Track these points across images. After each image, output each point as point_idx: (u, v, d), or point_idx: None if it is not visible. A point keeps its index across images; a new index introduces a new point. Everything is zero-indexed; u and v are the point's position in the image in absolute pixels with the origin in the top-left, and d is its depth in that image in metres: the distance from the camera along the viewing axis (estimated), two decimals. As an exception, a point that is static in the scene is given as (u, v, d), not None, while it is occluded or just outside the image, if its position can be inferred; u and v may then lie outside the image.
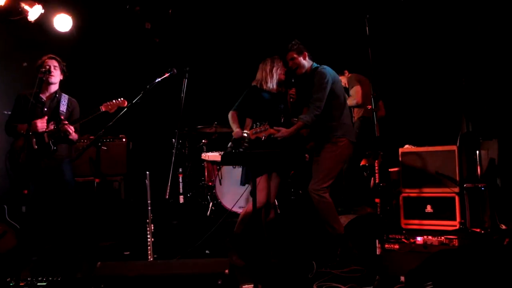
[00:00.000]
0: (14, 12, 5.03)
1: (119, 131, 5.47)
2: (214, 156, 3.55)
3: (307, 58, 4.11)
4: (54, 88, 4.33)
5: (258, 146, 3.93)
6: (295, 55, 4.08)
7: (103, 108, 4.11)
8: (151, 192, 4.07)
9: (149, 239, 3.55)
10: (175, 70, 3.91)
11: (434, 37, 6.08)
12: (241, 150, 3.86)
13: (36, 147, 4.12)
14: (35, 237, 4.27)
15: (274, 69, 4.15)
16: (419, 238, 4.33)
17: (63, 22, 5.32)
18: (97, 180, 3.79)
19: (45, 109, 4.24)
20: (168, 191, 3.47)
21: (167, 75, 3.83)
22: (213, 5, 6.40)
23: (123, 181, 5.48)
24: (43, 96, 4.28)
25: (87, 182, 5.15)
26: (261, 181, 3.99)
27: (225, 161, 3.18)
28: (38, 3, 5.06)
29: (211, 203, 5.62)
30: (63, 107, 4.25)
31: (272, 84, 4.14)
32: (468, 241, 4.35)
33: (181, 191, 3.43)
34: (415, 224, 5.30)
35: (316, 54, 4.14)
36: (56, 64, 4.26)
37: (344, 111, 4.02)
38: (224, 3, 6.38)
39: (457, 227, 5.09)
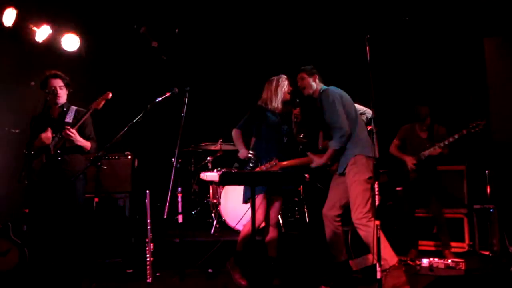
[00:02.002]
0: (23, 32, 5.13)
1: (125, 149, 5.51)
2: (213, 176, 3.55)
3: (316, 80, 4.09)
4: (61, 103, 4.31)
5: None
6: (305, 75, 4.09)
7: (92, 106, 4.03)
8: (155, 211, 4.09)
9: (148, 259, 3.54)
10: (176, 89, 3.93)
11: (438, 54, 6.05)
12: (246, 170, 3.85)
13: (44, 161, 4.09)
14: (39, 255, 4.29)
15: (279, 88, 4.15)
16: (425, 261, 4.24)
17: (70, 42, 5.41)
18: (96, 200, 3.79)
19: (54, 124, 4.20)
20: (166, 210, 3.47)
21: (168, 94, 3.85)
22: (219, 23, 6.46)
23: (128, 198, 5.49)
24: (52, 113, 4.27)
25: (91, 200, 5.17)
26: (257, 200, 3.95)
27: (223, 181, 3.15)
28: (46, 24, 5.16)
29: (215, 221, 5.60)
30: (68, 118, 4.21)
31: (276, 103, 4.13)
32: (475, 265, 4.24)
33: (180, 210, 3.42)
34: (421, 245, 5.21)
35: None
36: (61, 83, 4.24)
37: (357, 126, 3.95)
38: (231, 22, 6.43)
39: (465, 249, 4.99)
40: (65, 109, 4.28)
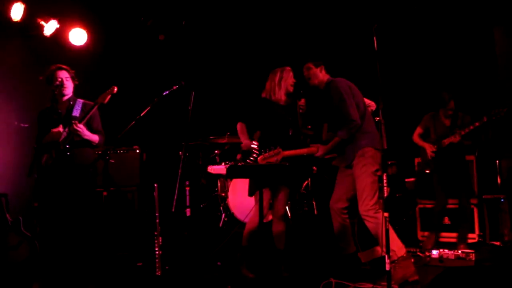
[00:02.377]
0: (30, 27, 5.15)
1: (133, 143, 5.53)
2: (220, 169, 3.55)
3: (323, 71, 4.06)
4: (68, 96, 4.30)
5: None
6: (311, 65, 4.05)
7: (98, 101, 4.01)
8: (163, 204, 4.10)
9: (157, 252, 3.56)
10: (183, 82, 3.92)
11: (448, 44, 5.96)
12: (249, 161, 3.83)
13: (54, 155, 4.09)
14: (50, 248, 4.33)
15: (283, 80, 4.10)
16: (434, 252, 4.21)
17: (78, 36, 5.43)
18: (105, 193, 3.80)
19: (62, 118, 4.19)
20: (174, 204, 3.48)
21: (175, 87, 3.84)
22: (226, 15, 6.43)
23: (137, 192, 5.52)
24: (59, 107, 4.24)
25: (100, 193, 5.20)
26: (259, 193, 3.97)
27: (230, 174, 3.15)
28: (54, 18, 5.17)
29: (223, 214, 5.61)
30: (76, 112, 4.19)
31: (280, 95, 4.10)
32: (486, 255, 4.20)
33: (188, 204, 3.43)
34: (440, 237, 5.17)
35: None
36: (67, 75, 4.22)
37: (365, 119, 3.93)
38: (237, 14, 6.40)
39: (476, 240, 4.94)
40: (71, 102, 4.27)
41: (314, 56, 4.09)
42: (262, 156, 3.75)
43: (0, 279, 4.26)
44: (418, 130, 5.23)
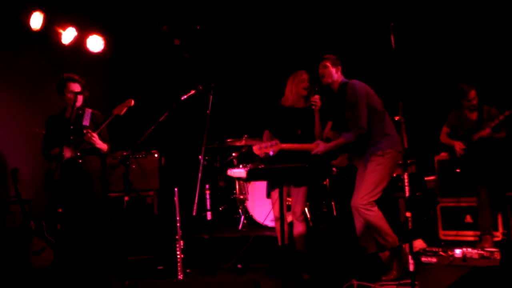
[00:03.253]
0: (49, 35, 5.23)
1: (151, 147, 5.57)
2: (240, 172, 3.54)
3: (339, 72, 4.05)
4: (78, 106, 4.40)
5: (284, 161, 3.90)
6: (328, 64, 4.04)
7: (114, 112, 4.13)
8: (182, 208, 4.12)
9: (178, 256, 3.58)
10: (200, 87, 3.94)
11: (468, 43, 5.86)
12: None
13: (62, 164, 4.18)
14: (71, 253, 4.40)
15: (294, 84, 4.13)
16: (458, 251, 4.16)
17: (95, 43, 5.50)
18: (126, 198, 3.85)
19: (71, 127, 4.30)
20: (195, 208, 3.50)
21: (192, 92, 3.87)
22: (242, 18, 6.45)
23: (156, 196, 5.56)
24: (69, 115, 4.34)
25: (120, 198, 5.26)
26: (273, 195, 4.01)
27: (250, 177, 3.16)
28: (72, 26, 5.25)
29: (242, 217, 5.62)
30: (86, 121, 4.34)
31: (292, 100, 4.12)
32: (511, 254, 4.12)
33: (208, 207, 3.44)
34: (454, 235, 5.11)
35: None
36: (78, 88, 4.32)
37: (385, 122, 3.92)
38: (254, 16, 6.41)
39: (500, 238, 4.86)
40: (80, 112, 4.42)
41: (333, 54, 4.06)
42: (258, 145, 3.74)
43: (25, 285, 4.33)
44: (445, 129, 5.09)
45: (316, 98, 4.01)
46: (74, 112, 4.34)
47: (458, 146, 4.90)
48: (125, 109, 4.09)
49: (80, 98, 4.31)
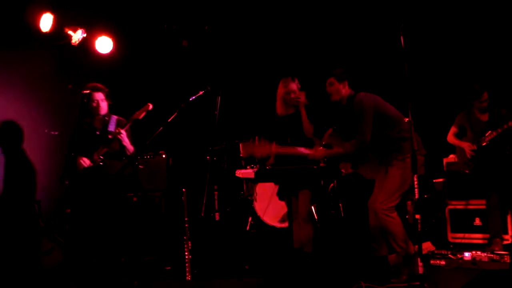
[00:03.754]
0: (59, 37, 5.26)
1: (159, 148, 5.59)
2: (248, 173, 3.55)
3: (346, 86, 4.05)
4: (103, 114, 4.53)
5: (290, 162, 3.91)
6: (334, 81, 4.04)
7: (134, 117, 4.24)
8: (190, 209, 4.13)
9: (186, 256, 3.59)
10: (208, 88, 3.95)
11: (476, 43, 5.81)
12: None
13: (91, 163, 4.36)
14: (81, 253, 4.43)
15: (278, 92, 4.17)
16: (467, 254, 4.13)
17: (104, 44, 5.51)
18: (135, 199, 3.87)
19: (97, 133, 4.49)
20: (203, 208, 3.50)
21: (201, 93, 3.88)
22: (250, 19, 6.45)
23: (164, 197, 5.57)
24: (95, 122, 4.52)
25: (129, 199, 5.28)
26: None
27: (258, 178, 3.16)
28: (81, 27, 5.27)
29: (250, 218, 5.61)
30: (111, 127, 4.45)
31: (279, 107, 4.16)
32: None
33: (216, 208, 3.45)
34: (463, 238, 5.08)
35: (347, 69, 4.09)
36: (102, 97, 4.44)
37: (402, 126, 3.91)
38: (262, 17, 6.41)
39: (509, 241, 4.82)
40: (106, 118, 4.52)
41: (339, 62, 4.09)
42: (248, 142, 3.77)
43: (34, 285, 4.36)
44: (453, 129, 5.04)
45: (300, 94, 4.02)
46: (101, 119, 4.49)
47: (469, 147, 4.84)
48: (143, 114, 4.22)
49: (104, 106, 4.45)
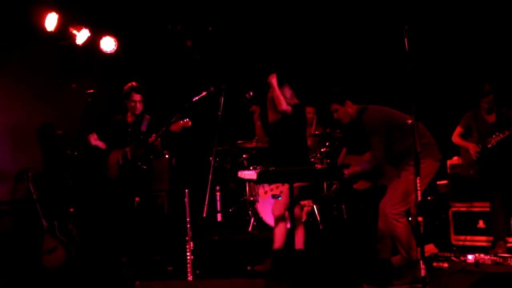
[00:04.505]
0: (63, 36, 5.29)
1: (163, 148, 5.60)
2: (251, 174, 3.55)
3: (350, 103, 4.05)
4: (138, 112, 4.73)
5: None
6: (337, 106, 4.05)
7: (172, 128, 4.39)
8: (192, 209, 4.13)
9: (188, 257, 3.58)
10: (212, 88, 3.95)
11: (481, 45, 5.79)
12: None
13: (121, 162, 4.58)
14: (85, 252, 4.46)
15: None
16: (470, 256, 4.11)
17: (108, 44, 5.55)
18: (137, 199, 3.88)
19: (129, 130, 4.68)
20: (205, 209, 3.50)
21: (204, 93, 3.88)
22: (253, 19, 6.45)
23: (167, 197, 5.58)
24: (128, 119, 4.74)
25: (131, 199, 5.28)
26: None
27: (261, 179, 3.16)
28: (85, 27, 5.30)
29: (252, 218, 5.61)
30: (143, 127, 4.65)
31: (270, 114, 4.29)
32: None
33: (219, 209, 3.45)
34: (466, 240, 5.05)
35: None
36: (140, 98, 4.63)
37: (418, 132, 3.86)
38: (264, 17, 6.41)
39: (513, 244, 4.79)
40: (141, 117, 4.72)
41: (344, 64, 4.07)
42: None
43: (37, 284, 4.37)
44: (458, 129, 4.95)
45: (254, 108, 4.20)
46: (135, 117, 4.69)
47: (474, 149, 4.77)
48: (181, 128, 4.41)
49: (140, 107, 4.65)
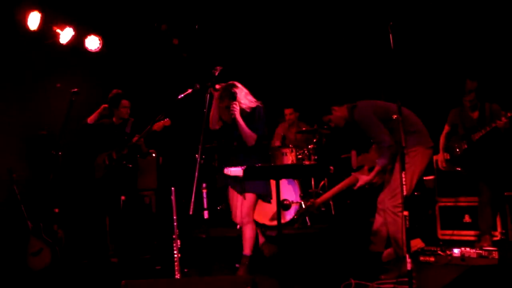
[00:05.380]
0: (47, 35, 5.23)
1: (149, 147, 5.56)
2: (237, 171, 3.53)
3: (337, 108, 4.08)
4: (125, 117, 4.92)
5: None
6: (329, 118, 4.12)
7: (153, 128, 4.57)
8: (180, 207, 4.11)
9: (175, 255, 3.57)
10: (198, 85, 3.93)
11: (467, 41, 5.84)
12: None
13: (107, 162, 4.70)
14: (72, 253, 4.41)
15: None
16: (456, 250, 4.15)
17: (92, 43, 5.50)
18: (123, 198, 3.85)
19: (115, 132, 4.86)
20: (192, 207, 3.49)
21: (190, 91, 3.85)
22: (239, 17, 6.45)
23: (154, 196, 5.55)
24: (115, 121, 4.91)
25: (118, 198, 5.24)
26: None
27: (247, 176, 3.14)
28: (69, 26, 5.24)
29: (241, 216, 5.59)
30: (128, 129, 4.83)
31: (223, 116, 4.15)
32: (509, 253, 4.12)
33: (205, 206, 3.44)
34: (452, 235, 5.10)
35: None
36: (129, 104, 4.88)
37: (407, 121, 3.90)
38: (251, 15, 6.41)
39: (498, 238, 4.85)
40: (126, 120, 4.89)
41: (329, 60, 4.07)
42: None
43: (23, 286, 4.32)
44: (446, 128, 5.01)
45: (234, 104, 3.93)
46: (121, 120, 4.88)
47: (440, 163, 4.91)
48: (162, 127, 4.67)
49: (127, 112, 4.89)
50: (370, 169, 4.01)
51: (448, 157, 4.88)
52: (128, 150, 4.64)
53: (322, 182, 5.88)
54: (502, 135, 4.64)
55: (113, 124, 4.89)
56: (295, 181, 5.55)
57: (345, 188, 4.04)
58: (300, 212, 3.98)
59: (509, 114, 4.44)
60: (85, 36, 5.50)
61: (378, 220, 4.00)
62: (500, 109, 4.62)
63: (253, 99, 4.00)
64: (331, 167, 3.64)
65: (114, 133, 4.83)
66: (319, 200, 4.13)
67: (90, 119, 4.80)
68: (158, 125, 4.57)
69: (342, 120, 4.07)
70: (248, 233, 4.03)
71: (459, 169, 4.92)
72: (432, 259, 4.20)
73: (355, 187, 3.96)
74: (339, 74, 6.34)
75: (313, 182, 5.83)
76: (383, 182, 4.07)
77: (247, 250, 4.02)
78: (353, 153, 4.32)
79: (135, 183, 4.92)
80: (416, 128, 3.91)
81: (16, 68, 5.29)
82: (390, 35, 3.37)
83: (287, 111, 6.26)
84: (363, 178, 3.95)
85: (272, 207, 5.14)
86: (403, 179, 3.69)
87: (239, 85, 4.00)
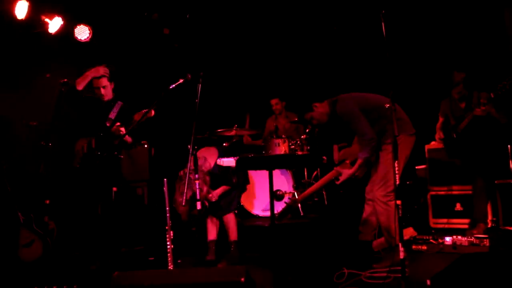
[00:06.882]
0: (36, 25, 5.14)
1: (141, 138, 5.52)
2: (229, 161, 3.53)
3: (318, 105, 4.09)
4: (108, 98, 4.51)
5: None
6: (311, 115, 4.12)
7: (135, 117, 4.24)
8: (172, 198, 4.10)
9: (168, 246, 3.56)
10: (189, 76, 3.89)
11: (458, 27, 5.84)
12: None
13: (85, 151, 4.40)
14: (64, 244, 4.38)
15: None
16: (448, 239, 4.19)
17: (82, 32, 5.42)
18: (114, 189, 3.82)
19: (101, 112, 4.46)
20: (184, 198, 3.48)
21: (181, 81, 3.82)
22: (231, 7, 6.38)
23: (147, 187, 5.51)
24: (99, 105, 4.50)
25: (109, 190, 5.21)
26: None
27: (240, 166, 3.13)
28: (58, 15, 5.16)
29: (233, 207, 5.58)
30: (112, 114, 4.43)
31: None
32: (500, 241, 4.15)
33: (198, 197, 3.43)
34: (444, 223, 5.14)
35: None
36: (105, 83, 4.40)
37: (383, 110, 3.90)
38: (243, 5, 6.35)
39: (489, 225, 4.89)
40: (112, 103, 4.48)
41: (321, 49, 4.05)
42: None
43: (14, 278, 4.29)
44: (440, 119, 5.05)
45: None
46: (106, 103, 4.47)
47: (437, 136, 4.99)
48: (144, 118, 4.20)
49: (106, 92, 4.45)
50: (352, 163, 4.01)
51: (443, 137, 4.93)
52: (117, 141, 4.38)
53: (315, 172, 5.89)
54: (490, 123, 4.65)
55: (100, 102, 4.50)
56: (288, 171, 5.55)
57: (327, 182, 4.03)
58: (281, 211, 3.99)
59: (482, 101, 4.47)
60: (75, 26, 5.41)
61: (367, 210, 4.02)
62: (488, 96, 4.61)
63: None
64: (324, 157, 3.64)
65: (99, 113, 4.44)
66: (301, 196, 4.15)
67: (80, 85, 4.35)
68: (139, 114, 4.27)
69: (325, 116, 4.08)
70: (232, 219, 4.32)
71: (455, 135, 4.92)
72: (424, 247, 4.24)
73: (339, 182, 3.97)
74: (326, 62, 6.31)
75: (306, 173, 5.84)
76: (369, 173, 4.09)
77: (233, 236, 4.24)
78: (335, 147, 4.33)
79: (120, 174, 4.63)
80: (398, 116, 3.91)
81: (3, 58, 5.20)
82: (383, 23, 3.35)
83: (273, 101, 6.23)
84: (345, 172, 3.95)
85: (265, 198, 5.16)
86: (389, 167, 3.73)
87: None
